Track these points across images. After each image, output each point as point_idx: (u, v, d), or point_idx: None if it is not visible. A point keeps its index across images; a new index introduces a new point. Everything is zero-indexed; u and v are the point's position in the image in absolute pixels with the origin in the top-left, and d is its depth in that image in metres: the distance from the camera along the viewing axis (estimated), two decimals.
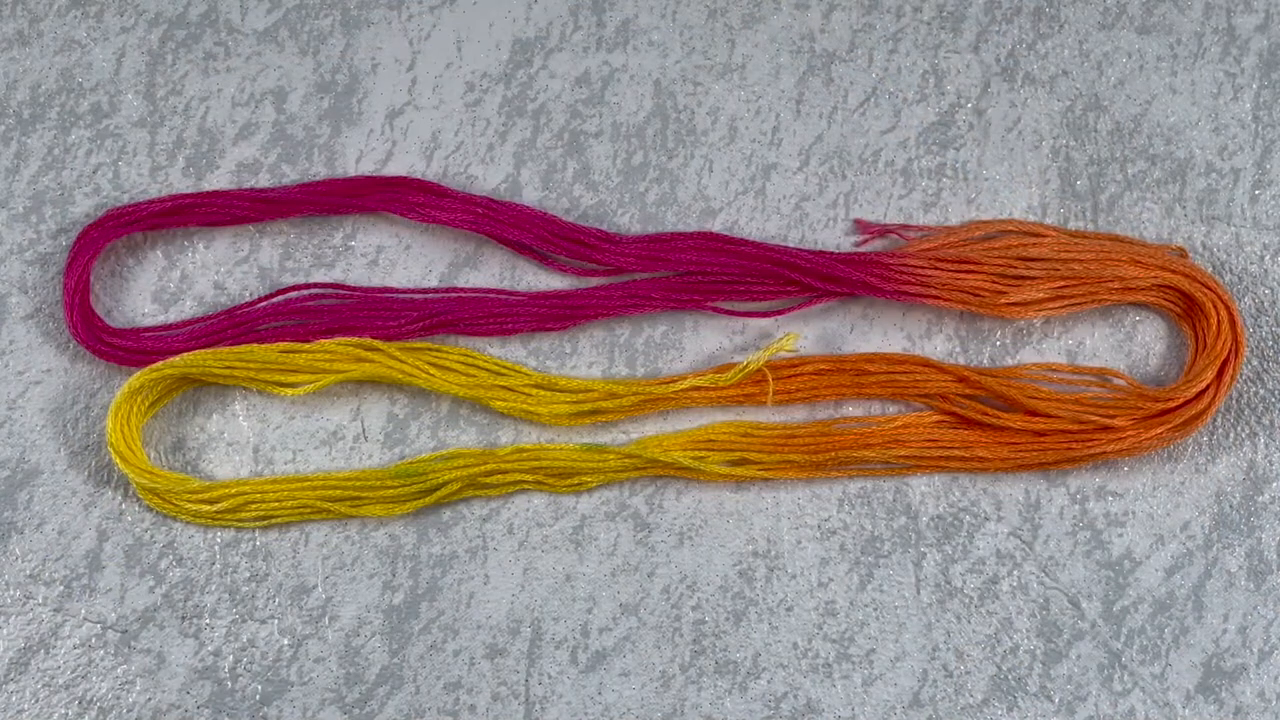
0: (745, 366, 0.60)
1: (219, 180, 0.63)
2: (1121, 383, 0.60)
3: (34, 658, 0.59)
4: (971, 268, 0.61)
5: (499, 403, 0.60)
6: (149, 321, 0.62)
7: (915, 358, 0.61)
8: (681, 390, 0.60)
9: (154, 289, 0.62)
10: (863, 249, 0.62)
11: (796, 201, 0.63)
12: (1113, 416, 0.59)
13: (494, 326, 0.61)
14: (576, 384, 0.61)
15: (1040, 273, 0.61)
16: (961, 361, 0.61)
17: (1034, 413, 0.60)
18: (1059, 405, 0.60)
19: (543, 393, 0.61)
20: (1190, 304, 0.61)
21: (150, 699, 0.59)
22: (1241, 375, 0.61)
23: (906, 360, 0.61)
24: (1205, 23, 0.64)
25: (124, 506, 0.60)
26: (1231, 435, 0.61)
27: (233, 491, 0.59)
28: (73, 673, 0.59)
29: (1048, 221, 0.63)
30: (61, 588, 0.60)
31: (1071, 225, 0.62)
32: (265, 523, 0.60)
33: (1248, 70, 0.64)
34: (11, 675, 0.59)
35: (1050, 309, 0.61)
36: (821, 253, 0.61)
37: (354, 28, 0.64)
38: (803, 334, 0.62)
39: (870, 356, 0.61)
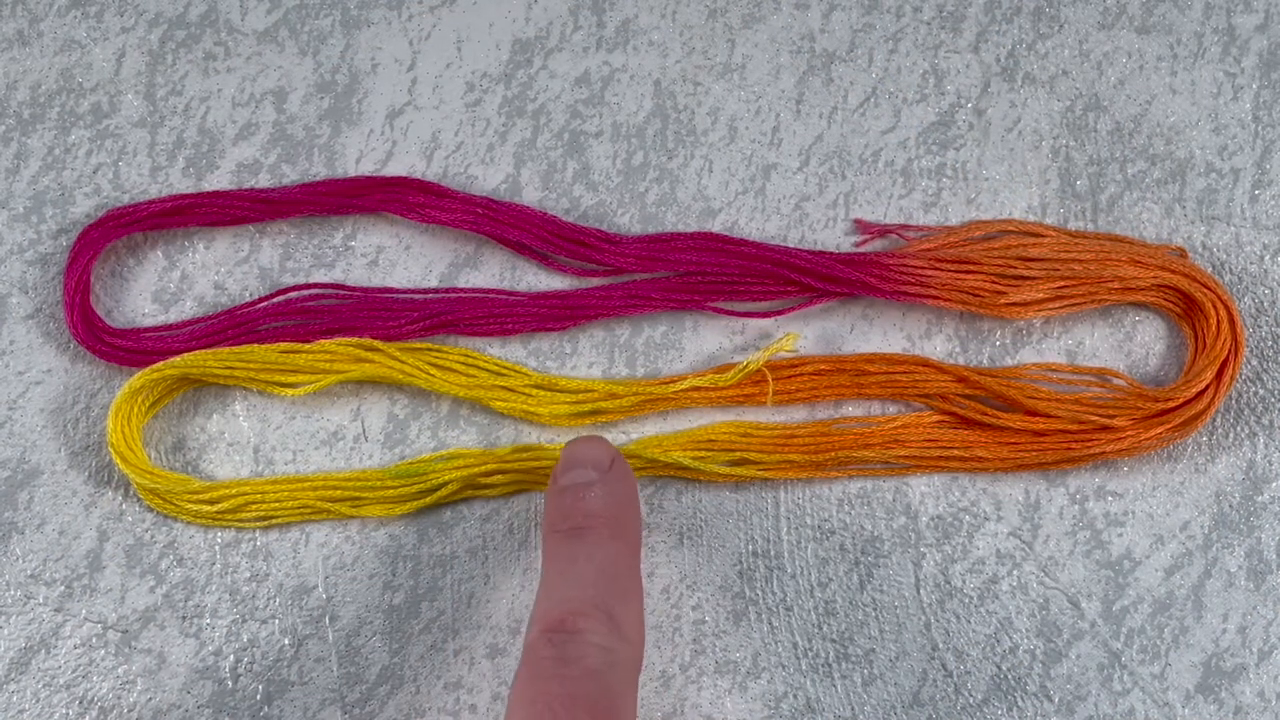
0: (745, 366, 0.60)
1: (219, 180, 0.63)
2: (1121, 383, 0.60)
3: (34, 658, 0.59)
4: (971, 268, 0.61)
5: (499, 403, 0.60)
6: (149, 322, 0.62)
7: (915, 358, 0.61)
8: (681, 390, 0.60)
9: (154, 289, 0.62)
10: (862, 249, 0.62)
11: (796, 201, 0.63)
12: (1112, 416, 0.59)
13: (494, 326, 0.61)
14: (576, 384, 0.61)
15: (1040, 273, 0.61)
16: (961, 361, 0.61)
17: (1034, 413, 0.60)
18: (1059, 405, 0.60)
19: (543, 393, 0.61)
20: (1190, 304, 0.61)
21: (151, 699, 0.59)
22: (1241, 375, 0.61)
23: (906, 360, 0.61)
24: (1205, 23, 0.64)
25: (124, 507, 0.60)
26: (1231, 435, 0.61)
27: (233, 492, 0.59)
28: (73, 673, 0.59)
29: (1048, 221, 0.63)
30: (62, 588, 0.60)
31: (1071, 225, 0.62)
32: (266, 523, 0.60)
33: (1248, 70, 0.64)
34: (12, 675, 0.59)
35: (1050, 309, 0.61)
36: (821, 253, 0.61)
37: (354, 28, 0.64)
38: (803, 334, 0.62)
39: (870, 356, 0.61)
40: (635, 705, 0.50)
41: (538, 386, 0.61)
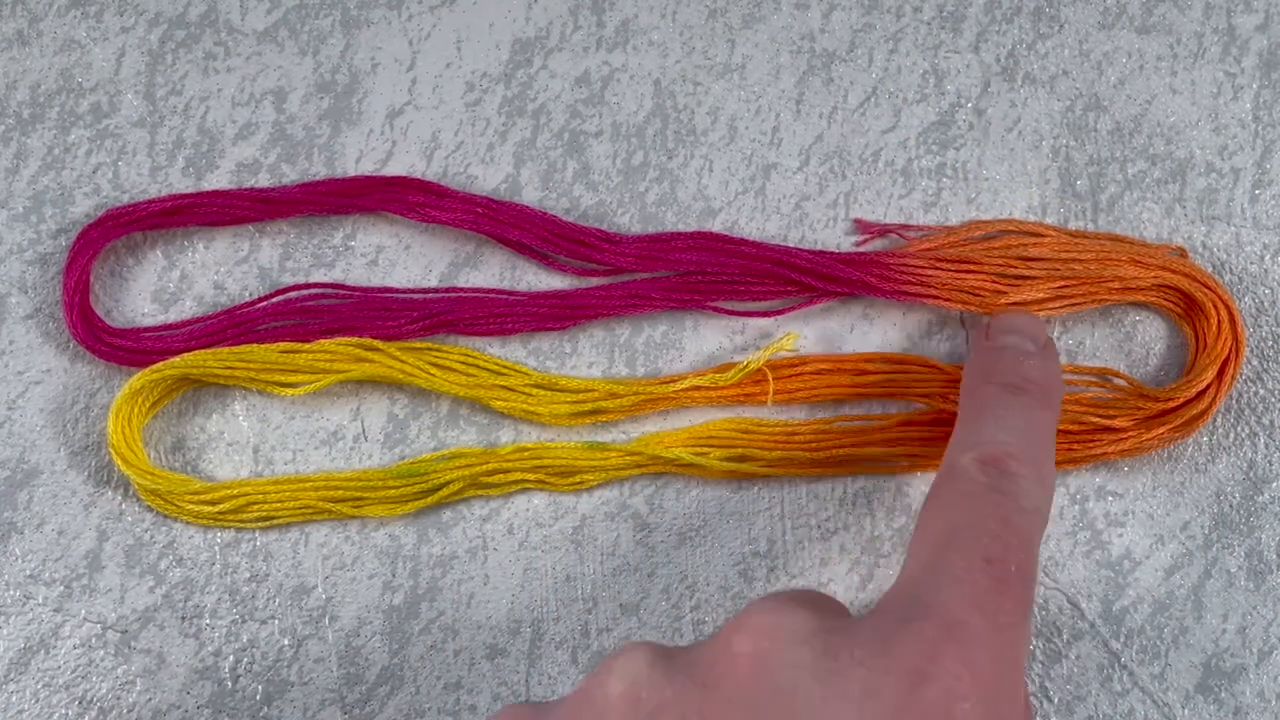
0: (746, 366, 0.60)
1: (219, 180, 0.63)
2: (1122, 383, 0.60)
3: (34, 658, 0.59)
4: (972, 267, 0.61)
5: (499, 403, 0.60)
6: (149, 322, 0.62)
7: (915, 358, 0.61)
8: (682, 390, 0.60)
9: (154, 289, 0.62)
10: (863, 249, 0.62)
11: (796, 201, 0.63)
12: (1113, 417, 0.59)
13: (494, 326, 0.61)
14: (577, 384, 0.61)
15: (1040, 273, 0.61)
16: (962, 362, 0.61)
17: None
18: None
19: (543, 393, 0.61)
20: (1190, 304, 0.61)
21: (150, 699, 0.59)
22: (1241, 375, 0.61)
23: (906, 360, 0.61)
24: (1205, 23, 0.64)
25: (124, 507, 0.60)
26: (1231, 435, 0.61)
27: (234, 492, 0.59)
28: (73, 673, 0.59)
29: (1048, 221, 0.62)
30: (61, 588, 0.60)
31: (1072, 225, 0.62)
32: (267, 523, 0.60)
33: (1248, 70, 0.64)
34: (11, 675, 0.59)
35: (1050, 309, 0.61)
36: (821, 252, 0.61)
37: (354, 28, 0.64)
38: (803, 334, 0.62)
39: (870, 356, 0.61)
40: (1039, 561, 0.51)
41: (538, 386, 0.61)
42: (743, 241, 0.61)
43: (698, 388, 0.60)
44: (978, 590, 0.46)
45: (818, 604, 0.47)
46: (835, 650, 0.44)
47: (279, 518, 0.60)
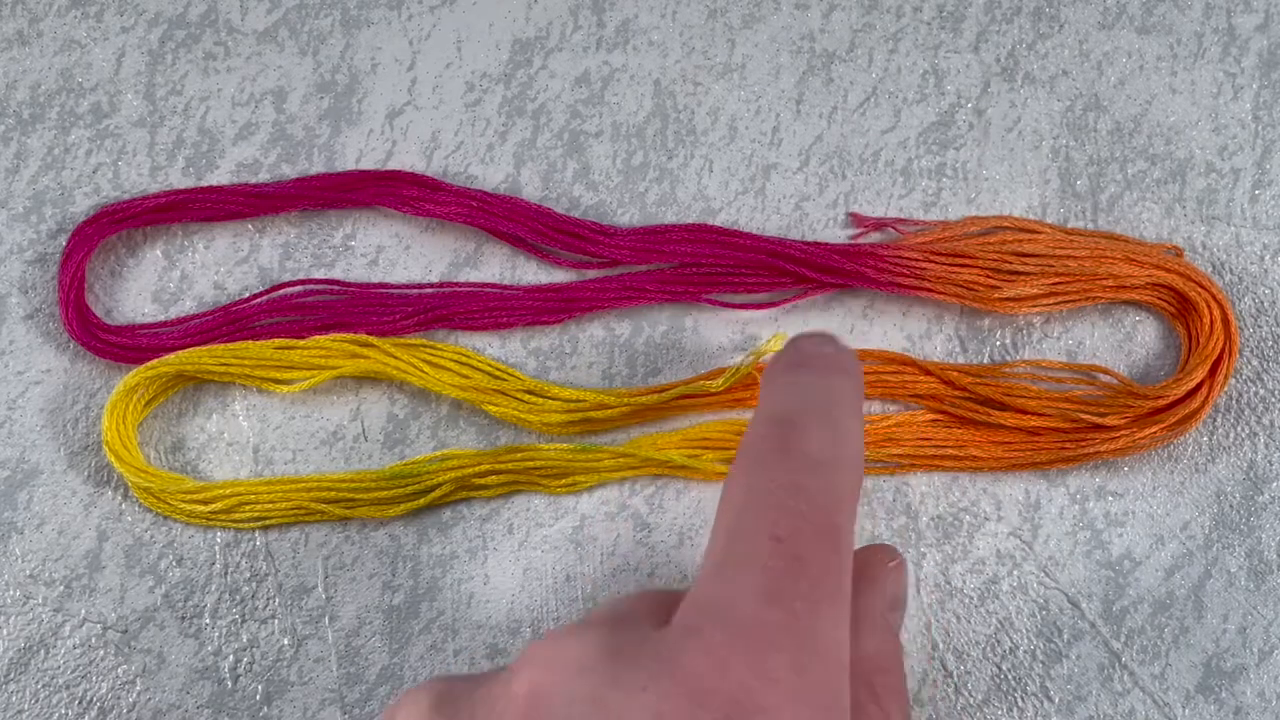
0: (735, 371, 0.60)
1: (218, 180, 0.63)
2: (1112, 380, 0.60)
3: (34, 658, 0.59)
4: (966, 262, 0.61)
5: (493, 407, 0.60)
6: (148, 322, 0.62)
7: (902, 357, 0.61)
8: (671, 399, 0.60)
9: (154, 289, 0.62)
10: (858, 242, 0.62)
11: (796, 201, 0.63)
12: (1104, 415, 0.59)
13: (489, 320, 0.61)
14: (568, 393, 0.60)
15: (1034, 269, 0.60)
16: (962, 360, 0.61)
17: (1024, 412, 0.60)
18: (1049, 404, 0.59)
19: (535, 399, 0.60)
20: (1184, 303, 0.61)
21: (150, 699, 0.59)
22: (1242, 375, 0.61)
23: (895, 360, 0.61)
24: (1205, 23, 0.64)
25: (124, 506, 0.60)
26: (1231, 435, 0.61)
27: (227, 492, 0.59)
28: (73, 673, 0.59)
29: (1048, 221, 0.62)
30: (61, 588, 0.60)
31: (1071, 225, 0.62)
32: (260, 524, 0.60)
33: (1248, 70, 0.64)
34: (11, 675, 0.59)
35: (1044, 305, 0.60)
36: (816, 244, 0.61)
37: (354, 28, 0.64)
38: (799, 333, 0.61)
39: (859, 355, 0.60)
40: (855, 521, 0.45)
41: (529, 392, 0.61)
42: (738, 233, 0.61)
43: (686, 396, 0.60)
44: (769, 578, 0.42)
45: (618, 622, 0.44)
46: (619, 677, 0.41)
47: (271, 518, 0.60)
